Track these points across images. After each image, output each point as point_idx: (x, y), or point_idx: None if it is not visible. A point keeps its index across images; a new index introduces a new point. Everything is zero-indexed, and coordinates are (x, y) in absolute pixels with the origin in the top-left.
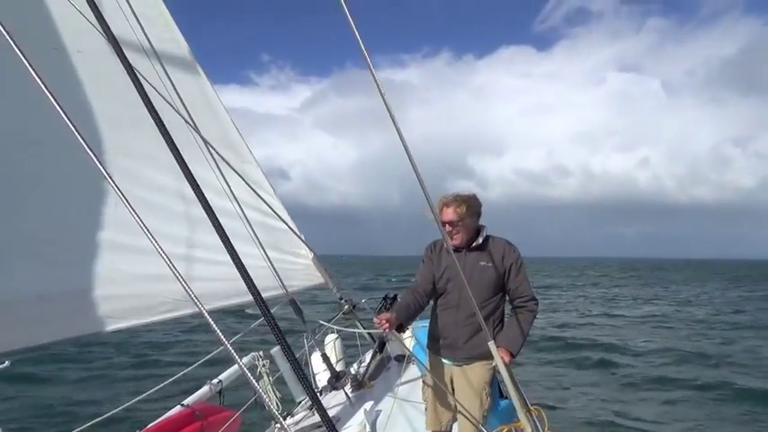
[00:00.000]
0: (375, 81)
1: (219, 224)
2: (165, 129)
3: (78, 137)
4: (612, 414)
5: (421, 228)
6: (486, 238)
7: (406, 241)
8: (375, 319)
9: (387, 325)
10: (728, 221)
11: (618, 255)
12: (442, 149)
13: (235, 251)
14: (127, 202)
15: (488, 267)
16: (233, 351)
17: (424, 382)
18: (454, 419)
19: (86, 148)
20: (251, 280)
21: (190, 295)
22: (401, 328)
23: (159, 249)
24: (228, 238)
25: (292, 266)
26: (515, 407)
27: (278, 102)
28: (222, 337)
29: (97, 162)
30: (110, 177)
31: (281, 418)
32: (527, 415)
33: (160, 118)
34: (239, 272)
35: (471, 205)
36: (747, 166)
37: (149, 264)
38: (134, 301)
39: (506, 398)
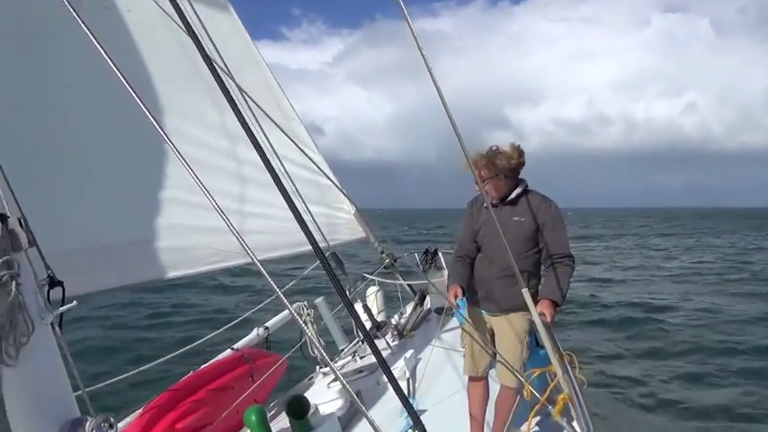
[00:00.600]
0: (411, 31)
1: (279, 180)
2: (226, 88)
3: (135, 96)
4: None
5: (455, 181)
6: (523, 193)
7: (440, 195)
8: (449, 296)
9: (457, 295)
10: None
11: (662, 205)
12: (477, 100)
13: (294, 205)
14: (183, 160)
15: (522, 222)
16: (283, 297)
17: (463, 329)
18: (491, 366)
19: (143, 107)
20: (309, 231)
21: (243, 247)
22: (462, 292)
23: (214, 204)
24: (288, 193)
25: (335, 221)
26: (548, 352)
27: (310, 56)
28: (273, 284)
29: (154, 122)
30: (167, 137)
31: (329, 360)
32: (559, 360)
33: (220, 77)
34: (299, 224)
35: (498, 163)
36: None
37: (203, 218)
38: (189, 252)
39: (543, 347)
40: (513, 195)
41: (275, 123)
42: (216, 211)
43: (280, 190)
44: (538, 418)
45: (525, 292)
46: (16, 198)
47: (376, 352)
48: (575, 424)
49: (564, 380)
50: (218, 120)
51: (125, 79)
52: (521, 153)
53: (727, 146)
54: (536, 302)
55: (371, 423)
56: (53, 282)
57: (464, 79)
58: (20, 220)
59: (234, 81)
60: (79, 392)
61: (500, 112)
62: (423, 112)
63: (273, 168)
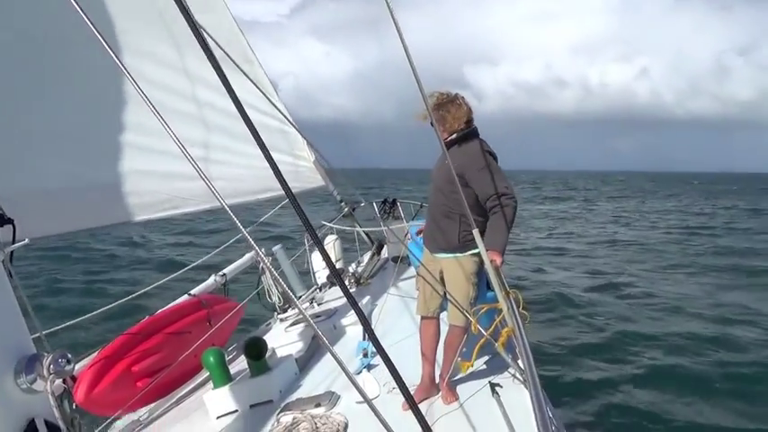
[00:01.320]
0: None
1: (254, 128)
2: (197, 30)
3: (96, 33)
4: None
5: (414, 141)
6: (466, 138)
7: (399, 155)
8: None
9: None
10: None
11: (616, 168)
12: (436, 60)
13: (269, 152)
14: (148, 101)
15: (454, 165)
16: (250, 237)
17: (417, 273)
18: (442, 308)
19: (104, 43)
20: (282, 177)
21: (212, 192)
22: None
23: (183, 149)
24: (261, 139)
25: (294, 168)
26: (495, 289)
27: (265, 7)
28: (240, 225)
29: (117, 60)
30: (131, 77)
31: (294, 297)
32: (504, 296)
33: (191, 18)
34: (273, 171)
35: (442, 99)
36: (749, 77)
37: (162, 162)
38: (147, 197)
39: (493, 290)
40: (453, 138)
41: (242, 70)
42: (185, 157)
43: (254, 137)
44: (486, 357)
45: (476, 233)
46: None
47: (345, 291)
48: (519, 362)
49: (508, 314)
50: (178, 61)
51: (85, 15)
52: (455, 99)
53: (677, 111)
54: (473, 244)
55: (334, 356)
56: (2, 220)
57: (422, 37)
58: None
59: (191, 16)
60: (36, 335)
61: (459, 72)
62: (383, 70)
63: (248, 116)
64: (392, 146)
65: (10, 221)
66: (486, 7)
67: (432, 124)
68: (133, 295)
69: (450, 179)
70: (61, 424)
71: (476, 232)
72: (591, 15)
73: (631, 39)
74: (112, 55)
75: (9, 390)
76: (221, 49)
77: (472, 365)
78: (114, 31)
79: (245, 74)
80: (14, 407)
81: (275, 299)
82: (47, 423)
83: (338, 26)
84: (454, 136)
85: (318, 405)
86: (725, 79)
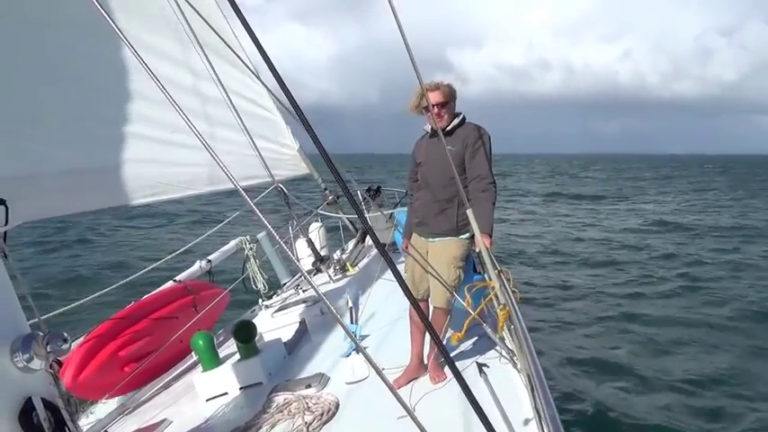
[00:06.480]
0: None
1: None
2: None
3: (108, 19)
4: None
5: (398, 126)
6: (460, 124)
7: (384, 139)
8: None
9: (407, 248)
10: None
11: (600, 151)
12: (418, 41)
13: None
14: (162, 87)
15: (453, 151)
16: (262, 217)
17: (405, 255)
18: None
19: (113, 25)
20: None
21: (228, 176)
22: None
23: (198, 135)
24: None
25: (278, 156)
26: (487, 268)
27: None
28: (254, 206)
29: (127, 43)
30: (142, 61)
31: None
32: (496, 275)
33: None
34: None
35: (453, 89)
36: (732, 57)
37: (152, 150)
38: (136, 183)
39: (480, 273)
40: (450, 126)
41: (238, 56)
42: (201, 143)
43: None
44: (474, 337)
45: (470, 213)
46: None
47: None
48: (507, 342)
49: (501, 292)
50: (163, 48)
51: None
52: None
53: (661, 93)
54: (466, 229)
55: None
56: None
57: (405, 19)
58: None
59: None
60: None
61: (442, 53)
62: (365, 53)
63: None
64: (377, 131)
65: (2, 202)
66: None
67: (423, 111)
68: (119, 283)
69: (458, 163)
70: (59, 401)
71: (470, 212)
72: None
73: (614, 19)
74: (122, 37)
75: (5, 368)
76: (217, 34)
77: (462, 337)
78: (97, 15)
79: (242, 60)
80: (11, 385)
81: (260, 285)
82: (44, 401)
83: (319, 8)
84: (456, 121)
85: (308, 386)
86: (707, 60)
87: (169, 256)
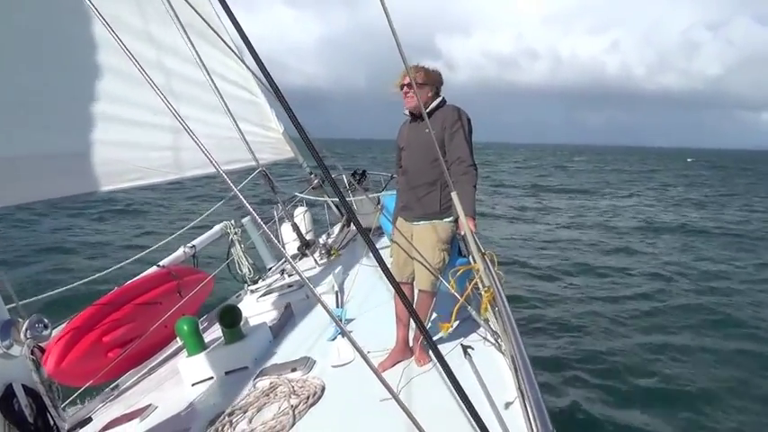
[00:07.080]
0: None
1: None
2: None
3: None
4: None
5: (385, 111)
6: (439, 106)
7: (370, 124)
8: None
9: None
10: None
11: (586, 142)
12: (407, 27)
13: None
14: (144, 72)
15: (434, 133)
16: (244, 201)
17: (390, 240)
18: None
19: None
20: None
21: (212, 163)
22: None
23: (181, 121)
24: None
25: (262, 139)
26: (471, 250)
27: None
28: (236, 189)
29: (108, 28)
30: (118, 39)
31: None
32: (481, 257)
33: None
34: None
35: (437, 74)
36: (717, 52)
37: (130, 133)
38: (113, 167)
39: (465, 257)
40: (430, 108)
41: (220, 37)
42: (184, 129)
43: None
44: (458, 320)
45: (454, 195)
46: None
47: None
48: (491, 324)
49: (485, 274)
50: (144, 28)
51: None
52: (437, 71)
53: (646, 86)
54: (449, 212)
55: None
56: None
57: (393, 4)
58: None
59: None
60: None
61: (431, 40)
62: (353, 36)
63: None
64: (364, 116)
65: None
66: None
67: (403, 88)
68: (104, 272)
69: (439, 144)
70: (40, 387)
71: (454, 195)
72: None
73: (603, 9)
74: (100, 18)
75: None
76: (200, 15)
77: (452, 326)
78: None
79: (228, 46)
80: None
81: (245, 270)
82: (25, 387)
83: None
84: (434, 104)
85: (294, 370)
86: (694, 53)
87: (154, 246)
